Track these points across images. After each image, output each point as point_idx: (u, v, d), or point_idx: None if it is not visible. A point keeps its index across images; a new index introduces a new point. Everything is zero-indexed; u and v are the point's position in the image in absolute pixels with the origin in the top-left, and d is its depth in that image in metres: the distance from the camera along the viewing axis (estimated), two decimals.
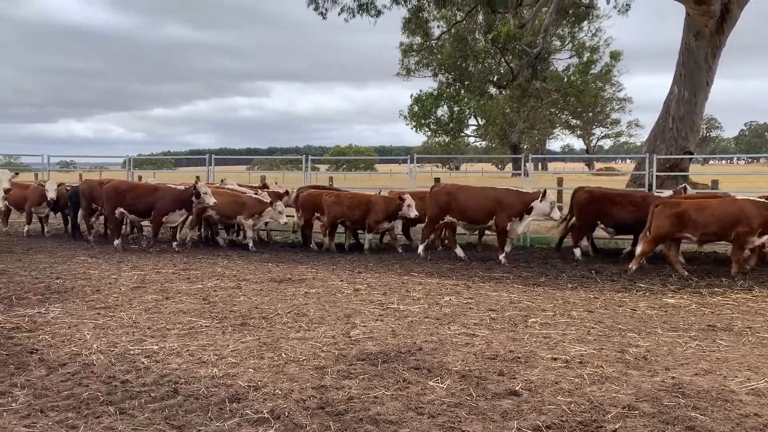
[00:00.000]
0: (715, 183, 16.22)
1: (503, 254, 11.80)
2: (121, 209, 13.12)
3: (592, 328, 7.15)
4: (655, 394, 5.04)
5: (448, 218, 12.32)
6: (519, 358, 5.98)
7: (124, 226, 14.70)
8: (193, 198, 12.71)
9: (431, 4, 26.16)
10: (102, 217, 14.39)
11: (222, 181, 15.83)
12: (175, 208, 12.83)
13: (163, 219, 12.98)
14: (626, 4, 23.15)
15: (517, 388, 5.15)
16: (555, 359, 5.95)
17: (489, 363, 5.83)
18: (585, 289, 9.44)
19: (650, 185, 14.50)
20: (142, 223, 14.55)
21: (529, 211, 11.74)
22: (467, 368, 5.66)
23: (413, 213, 12.67)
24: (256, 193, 13.76)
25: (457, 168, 64.18)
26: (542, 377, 5.44)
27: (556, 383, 5.29)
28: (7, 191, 13.19)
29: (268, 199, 13.23)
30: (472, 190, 12.53)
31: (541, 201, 11.57)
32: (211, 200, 12.71)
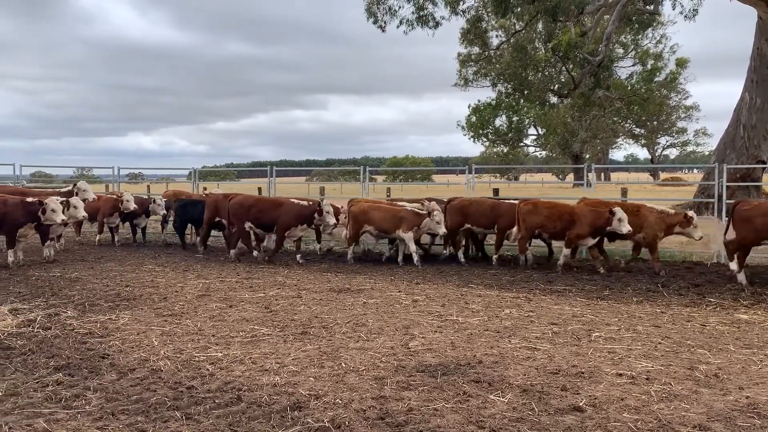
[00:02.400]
0: None
1: None
2: (248, 223, 13.44)
3: (659, 343, 6.91)
4: (728, 414, 4.83)
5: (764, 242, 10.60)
6: (582, 373, 5.84)
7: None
8: (315, 215, 13.02)
9: (490, 14, 26.02)
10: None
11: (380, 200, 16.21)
12: (298, 223, 13.18)
13: (286, 233, 13.30)
14: (693, 10, 22.45)
15: (580, 404, 5.02)
16: (620, 375, 5.78)
17: (551, 377, 5.71)
18: (651, 303, 9.14)
19: (720, 195, 13.96)
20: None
21: None
22: (529, 382, 5.56)
23: (626, 228, 11.20)
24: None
25: (516, 178, 63.36)
26: (607, 393, 5.29)
27: (622, 400, 5.14)
28: (84, 201, 13.89)
29: (424, 211, 12.95)
30: None
31: None
32: (332, 220, 12.97)
